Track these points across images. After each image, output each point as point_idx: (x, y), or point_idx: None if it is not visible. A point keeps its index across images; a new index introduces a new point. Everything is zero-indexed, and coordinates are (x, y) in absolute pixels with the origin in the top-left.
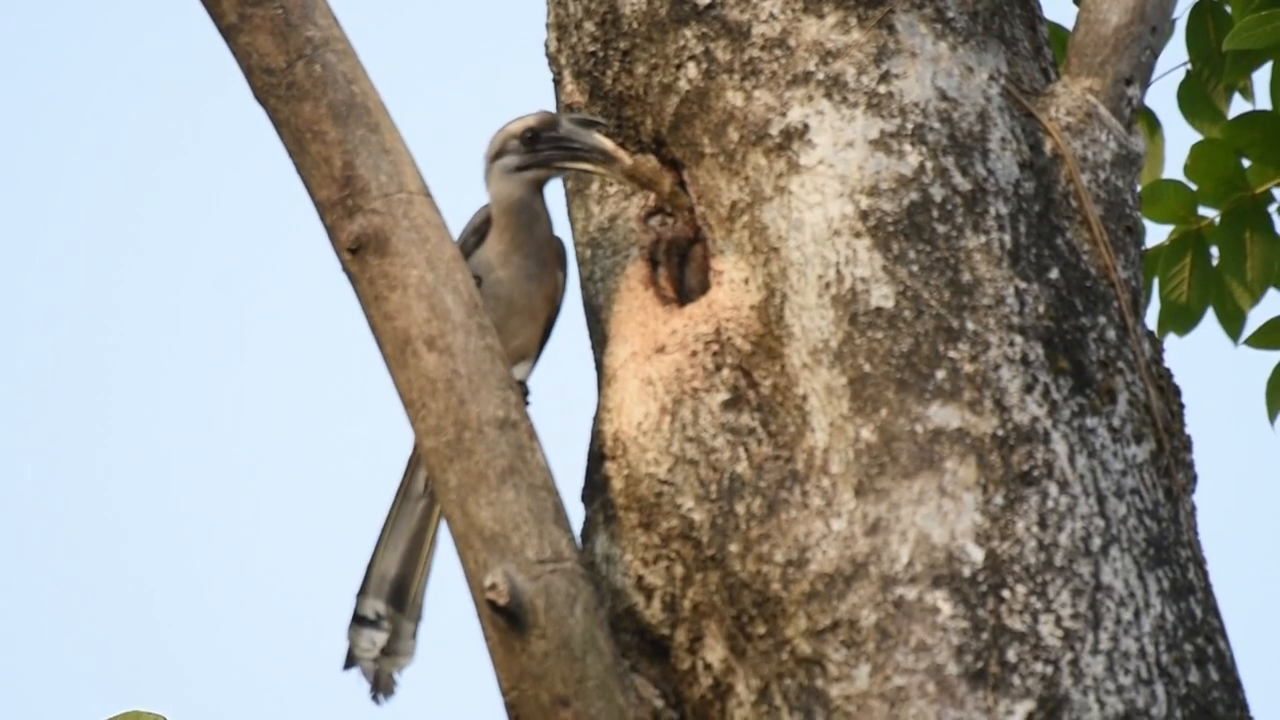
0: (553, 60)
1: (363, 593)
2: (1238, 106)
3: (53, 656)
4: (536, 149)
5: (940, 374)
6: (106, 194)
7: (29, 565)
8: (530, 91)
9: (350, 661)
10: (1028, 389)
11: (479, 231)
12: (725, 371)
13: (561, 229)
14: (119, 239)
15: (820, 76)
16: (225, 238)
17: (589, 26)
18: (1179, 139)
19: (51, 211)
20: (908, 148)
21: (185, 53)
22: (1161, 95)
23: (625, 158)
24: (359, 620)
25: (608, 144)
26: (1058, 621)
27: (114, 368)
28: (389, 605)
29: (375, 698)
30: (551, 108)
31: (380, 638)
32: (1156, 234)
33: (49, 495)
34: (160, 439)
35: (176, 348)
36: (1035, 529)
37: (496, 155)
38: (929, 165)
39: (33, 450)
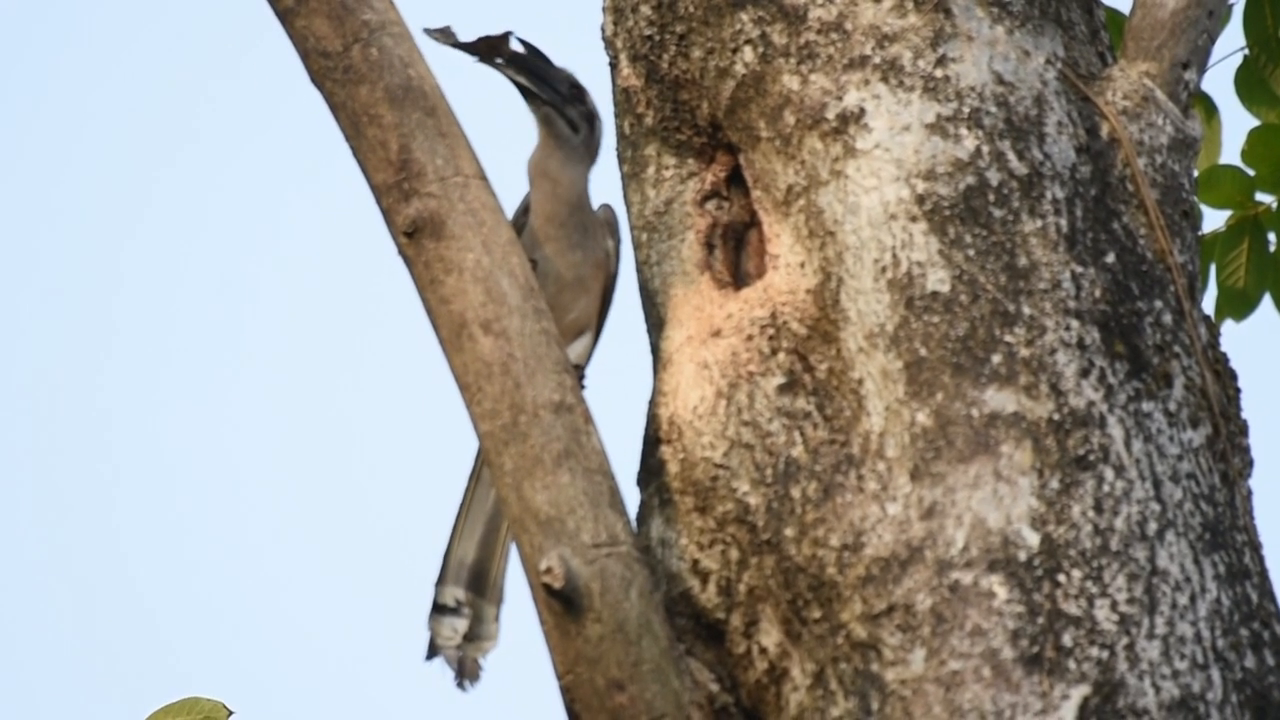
0: (609, 44)
1: (441, 581)
2: None
3: (62, 658)
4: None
5: (996, 358)
6: (104, 191)
7: (44, 563)
8: (587, 75)
9: (433, 651)
10: (1084, 373)
11: (529, 213)
12: (781, 355)
13: (619, 213)
14: (118, 233)
15: (876, 60)
16: (225, 229)
17: (645, 10)
18: (1236, 124)
19: (48, 208)
20: (964, 131)
21: (181, 50)
22: (1219, 80)
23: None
24: (439, 609)
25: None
26: (1113, 606)
27: (117, 358)
28: (468, 591)
29: (461, 684)
30: (609, 92)
31: (462, 624)
32: (1213, 219)
33: (85, 486)
34: (161, 436)
35: (181, 340)
36: (1091, 513)
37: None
38: (985, 149)
39: (42, 437)
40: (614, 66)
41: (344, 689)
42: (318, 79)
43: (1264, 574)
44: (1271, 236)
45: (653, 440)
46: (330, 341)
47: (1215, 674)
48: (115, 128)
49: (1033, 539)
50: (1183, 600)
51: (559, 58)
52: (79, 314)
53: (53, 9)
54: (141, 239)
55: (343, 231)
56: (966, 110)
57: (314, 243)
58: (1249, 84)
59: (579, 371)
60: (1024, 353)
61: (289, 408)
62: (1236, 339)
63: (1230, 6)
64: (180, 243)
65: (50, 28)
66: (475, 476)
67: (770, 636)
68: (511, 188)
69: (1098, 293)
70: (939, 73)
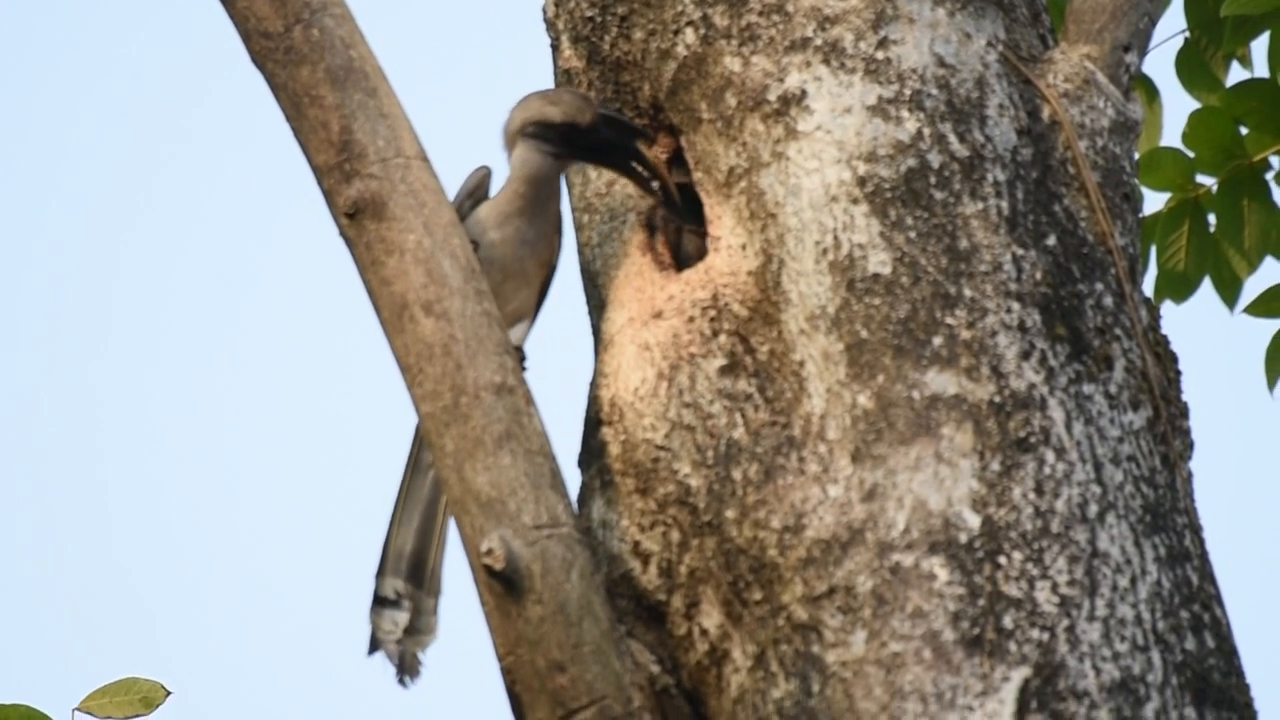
0: (550, 25)
1: (381, 572)
2: (1236, 75)
3: (56, 656)
4: (573, 145)
5: (937, 340)
6: (99, 187)
7: (37, 560)
8: (528, 57)
9: (374, 645)
10: (1025, 355)
11: (474, 195)
12: (722, 337)
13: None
14: (113, 228)
15: (818, 42)
16: (218, 222)
17: None
18: (1177, 107)
19: (42, 203)
20: (905, 114)
21: (173, 51)
22: (1160, 63)
23: (664, 175)
24: (380, 601)
25: (648, 157)
26: (1054, 588)
27: (112, 346)
28: (408, 583)
29: (401, 680)
30: (550, 74)
31: (403, 618)
32: (1154, 201)
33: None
34: (153, 427)
35: (170, 334)
36: (1032, 495)
37: (527, 129)
38: (927, 131)
39: (34, 432)
40: (555, 48)
41: (325, 680)
42: (259, 59)
43: (1204, 556)
44: (1212, 219)
45: (594, 422)
46: (322, 335)
47: (1155, 656)
48: (108, 128)
49: (974, 521)
50: (1123, 582)
51: (502, 43)
52: (72, 309)
53: (46, 8)
54: (136, 235)
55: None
56: (908, 92)
57: (305, 238)
58: (1190, 67)
59: (520, 353)
60: (965, 335)
61: (275, 401)
62: (1177, 321)
63: None
64: (173, 239)
65: (43, 27)
66: (412, 464)
67: (711, 618)
68: (453, 169)
69: (1039, 275)
70: (880, 55)
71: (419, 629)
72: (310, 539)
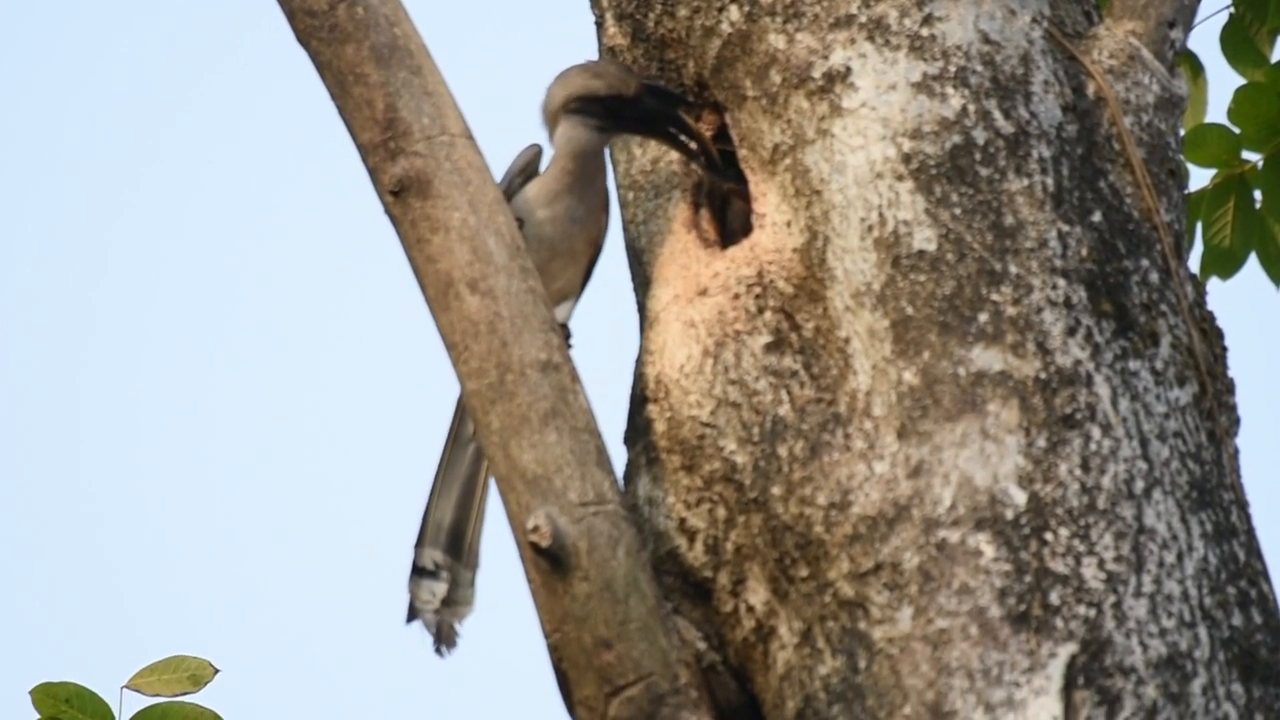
0: (595, 2)
1: (420, 543)
2: None
3: (49, 654)
4: (618, 116)
5: (983, 317)
6: (85, 183)
7: (28, 556)
8: (573, 35)
9: (412, 614)
10: (1070, 332)
11: (525, 173)
12: (767, 314)
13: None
14: (97, 221)
15: (863, 19)
16: (205, 222)
17: None
18: (1222, 83)
19: (34, 198)
20: (950, 90)
21: (159, 47)
22: (1205, 39)
23: (706, 141)
24: (418, 571)
25: (691, 124)
26: (1100, 564)
27: (97, 335)
28: (446, 554)
29: (439, 650)
30: (594, 51)
31: (440, 588)
32: (1199, 178)
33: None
34: (143, 418)
35: (162, 331)
36: (1078, 472)
37: (570, 105)
38: (971, 108)
39: (21, 426)
40: (600, 25)
41: (332, 658)
42: (303, 38)
43: (1251, 532)
44: (1257, 194)
45: (639, 399)
46: (314, 330)
47: (1202, 632)
48: (94, 122)
49: (1020, 497)
50: (1170, 558)
51: (547, 20)
52: (58, 303)
53: (28, 6)
54: (122, 226)
55: (322, 221)
56: (953, 69)
57: (292, 229)
58: (1235, 42)
59: (565, 330)
60: (1010, 311)
61: (272, 378)
62: (1222, 297)
63: None
64: (158, 233)
65: (28, 21)
66: (452, 437)
67: (757, 595)
68: (498, 147)
69: (1084, 251)
70: (925, 31)
71: (456, 600)
72: (311, 534)
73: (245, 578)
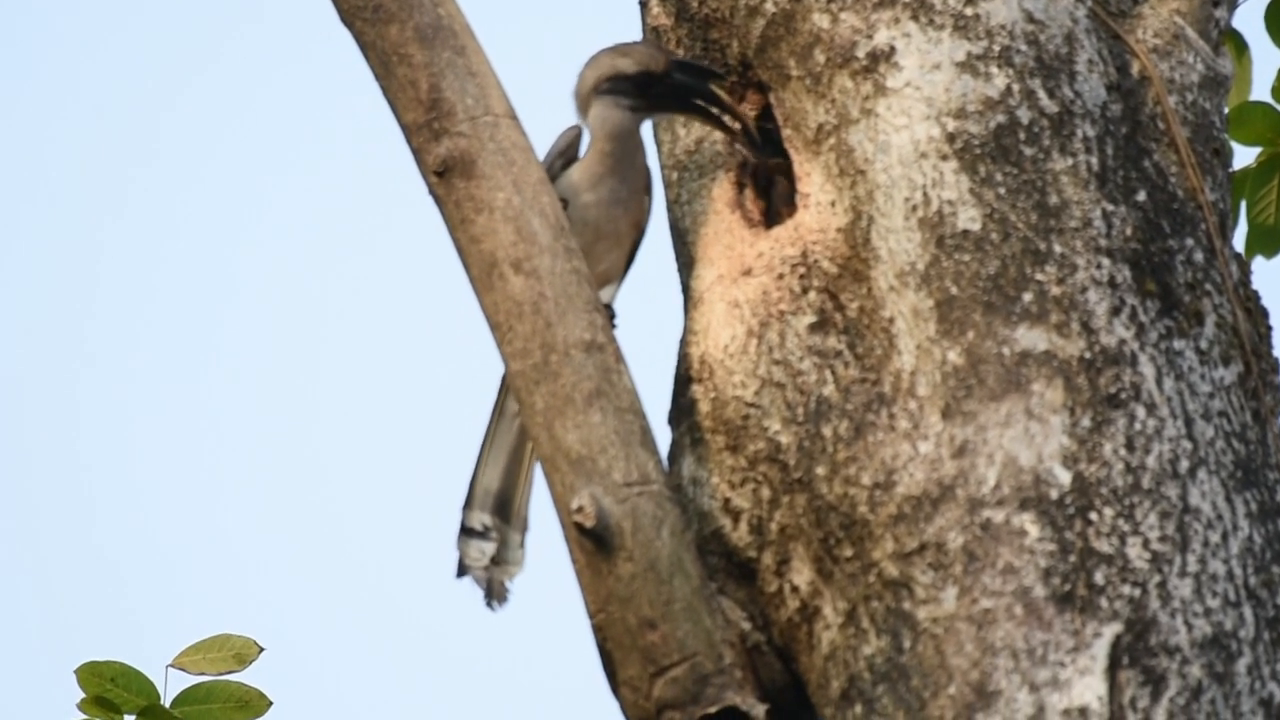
0: None
1: (468, 506)
2: None
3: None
4: (649, 93)
5: (1027, 296)
6: (82, 180)
7: (25, 555)
8: (616, 14)
9: (462, 570)
10: (1115, 311)
11: (565, 155)
12: (812, 294)
13: (648, 151)
14: (96, 220)
15: None
16: (201, 219)
17: None
18: (1267, 61)
19: (31, 197)
20: (994, 70)
21: (156, 43)
22: (1249, 17)
23: (742, 114)
24: (466, 532)
25: (724, 98)
26: (1145, 544)
27: (95, 331)
28: (494, 517)
29: (490, 604)
30: (637, 30)
31: (489, 547)
32: (1244, 156)
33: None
34: (139, 411)
35: (160, 326)
36: (1123, 451)
37: (601, 86)
38: (1016, 87)
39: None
40: (644, 5)
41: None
42: (348, 18)
43: None
44: None
45: (684, 379)
46: (311, 327)
47: (1248, 611)
48: (90, 124)
49: (1064, 477)
50: (1214, 538)
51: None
52: (56, 302)
53: (21, 4)
54: (118, 224)
55: (320, 218)
56: (997, 48)
57: (290, 227)
58: (1279, 21)
59: (609, 311)
60: (1055, 291)
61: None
62: (1268, 276)
63: None
64: (154, 231)
65: (23, 20)
66: (498, 410)
67: (802, 575)
68: (541, 127)
69: (1129, 231)
70: (969, 11)
71: (506, 560)
72: (310, 534)
73: (245, 577)
